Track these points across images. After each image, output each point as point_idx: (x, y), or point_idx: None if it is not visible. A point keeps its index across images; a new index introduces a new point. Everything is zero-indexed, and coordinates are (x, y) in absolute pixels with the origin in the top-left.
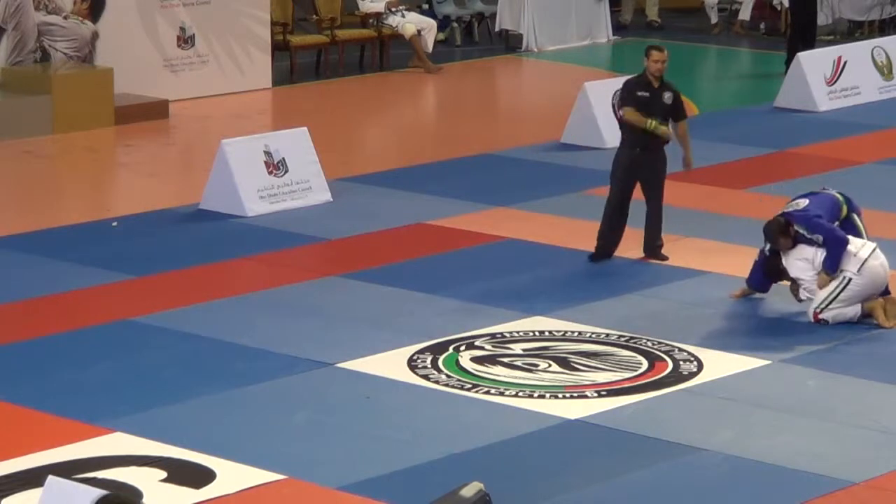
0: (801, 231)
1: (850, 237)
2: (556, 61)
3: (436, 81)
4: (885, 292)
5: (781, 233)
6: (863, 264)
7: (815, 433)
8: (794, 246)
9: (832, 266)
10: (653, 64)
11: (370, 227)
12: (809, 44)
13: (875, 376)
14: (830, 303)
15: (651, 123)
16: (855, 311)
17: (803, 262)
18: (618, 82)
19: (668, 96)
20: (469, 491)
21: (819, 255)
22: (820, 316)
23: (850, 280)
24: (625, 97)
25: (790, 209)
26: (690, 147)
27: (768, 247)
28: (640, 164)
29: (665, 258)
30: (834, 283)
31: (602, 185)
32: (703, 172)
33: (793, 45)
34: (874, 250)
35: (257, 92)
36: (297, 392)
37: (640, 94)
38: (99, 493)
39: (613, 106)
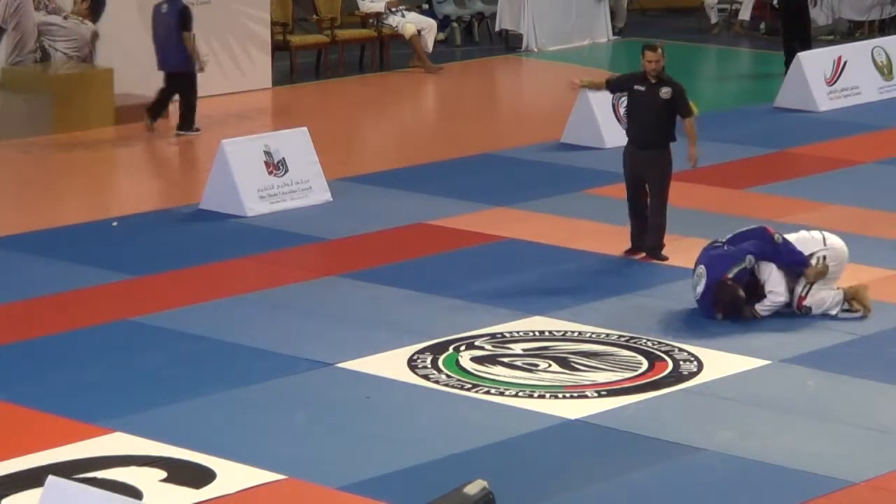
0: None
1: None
2: (556, 61)
3: (436, 81)
4: None
5: (742, 303)
6: (826, 240)
7: (815, 433)
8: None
9: (796, 261)
10: (646, 63)
11: (370, 227)
12: (806, 43)
13: (875, 376)
14: (811, 286)
15: (583, 81)
16: (836, 295)
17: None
18: None
19: (665, 91)
20: (473, 489)
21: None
22: (804, 303)
23: (824, 257)
24: (618, 77)
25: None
26: (696, 144)
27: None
28: (639, 161)
29: (665, 258)
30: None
31: (602, 185)
32: (703, 172)
33: (789, 45)
34: (822, 231)
35: (257, 92)
36: (297, 392)
37: (636, 87)
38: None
39: (614, 105)
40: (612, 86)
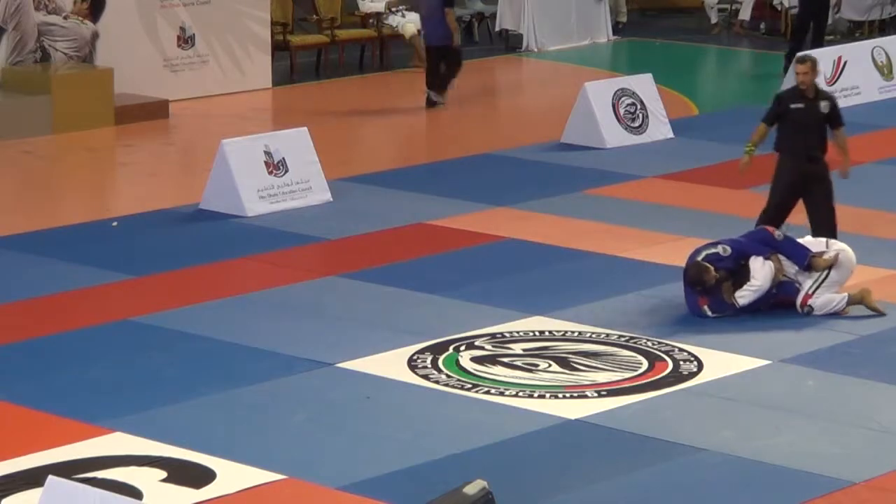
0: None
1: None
2: (556, 61)
3: None
4: None
5: (706, 271)
6: (829, 245)
7: (815, 433)
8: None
9: (800, 253)
10: (797, 76)
11: (370, 227)
12: (819, 42)
13: (875, 376)
14: (818, 287)
15: (748, 147)
16: (841, 298)
17: (767, 266)
18: (618, 82)
19: (824, 105)
20: (472, 489)
21: (771, 263)
22: (809, 301)
23: (838, 252)
24: (771, 111)
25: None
26: (848, 156)
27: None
28: (805, 175)
29: None
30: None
31: (602, 185)
32: (703, 172)
33: (796, 45)
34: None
35: (257, 92)
36: (297, 392)
37: (793, 106)
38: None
39: (614, 105)
40: (772, 120)
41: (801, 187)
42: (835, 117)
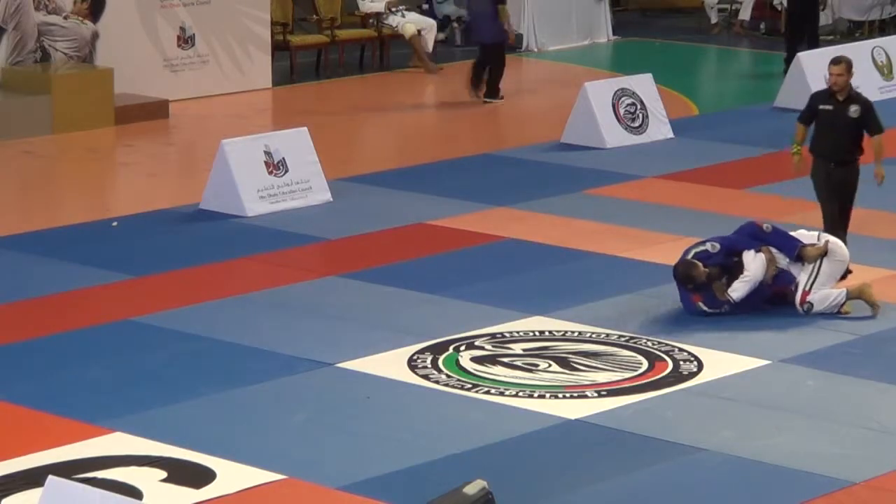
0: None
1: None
2: (556, 61)
3: (436, 81)
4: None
5: (694, 267)
6: (821, 238)
7: (815, 433)
8: (716, 276)
9: (790, 244)
10: (829, 77)
11: (370, 227)
12: (814, 42)
13: (875, 376)
14: (814, 283)
15: (794, 148)
16: (840, 293)
17: (758, 258)
18: (618, 82)
19: (853, 109)
20: (472, 489)
21: (761, 256)
22: (808, 298)
23: (827, 241)
24: (804, 110)
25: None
26: (881, 162)
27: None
28: (831, 177)
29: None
30: (810, 263)
31: (602, 185)
32: (703, 172)
33: (791, 46)
34: (819, 231)
35: (257, 92)
36: (297, 392)
37: (822, 107)
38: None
39: (614, 105)
40: (805, 119)
41: (832, 186)
42: (868, 123)
